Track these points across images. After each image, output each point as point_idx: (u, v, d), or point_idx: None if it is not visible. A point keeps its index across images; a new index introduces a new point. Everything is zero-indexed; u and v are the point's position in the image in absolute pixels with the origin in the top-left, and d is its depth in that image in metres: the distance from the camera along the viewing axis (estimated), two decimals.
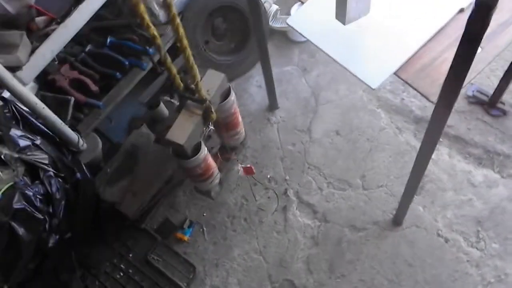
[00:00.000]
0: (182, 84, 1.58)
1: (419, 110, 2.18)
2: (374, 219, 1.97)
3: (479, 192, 1.94)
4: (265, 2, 2.55)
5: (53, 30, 1.72)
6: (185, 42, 1.38)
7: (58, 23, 1.74)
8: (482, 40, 1.30)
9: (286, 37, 2.55)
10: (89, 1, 1.78)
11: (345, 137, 2.18)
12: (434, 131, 1.29)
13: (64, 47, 2.18)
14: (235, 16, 2.40)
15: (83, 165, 1.94)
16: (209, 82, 1.61)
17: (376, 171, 2.07)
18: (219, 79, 1.64)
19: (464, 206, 1.92)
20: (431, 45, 1.33)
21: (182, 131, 1.53)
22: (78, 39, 2.24)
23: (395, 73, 1.31)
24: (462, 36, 0.93)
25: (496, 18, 1.30)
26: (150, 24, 1.28)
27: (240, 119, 1.87)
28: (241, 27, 2.43)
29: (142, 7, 1.23)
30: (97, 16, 2.28)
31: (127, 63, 2.14)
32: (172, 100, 2.13)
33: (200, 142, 1.63)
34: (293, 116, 2.30)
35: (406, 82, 1.28)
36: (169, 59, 1.46)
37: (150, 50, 2.18)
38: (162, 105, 1.89)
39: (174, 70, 1.50)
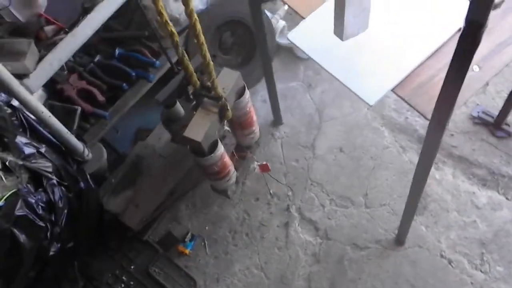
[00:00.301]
0: (198, 82, 1.60)
1: (423, 129, 2.18)
2: (376, 238, 1.95)
3: (483, 214, 1.93)
4: (272, 18, 2.57)
5: (61, 39, 1.74)
6: (202, 38, 1.40)
7: (66, 33, 1.76)
8: (480, 59, 1.31)
9: (292, 54, 2.57)
10: (97, 12, 1.81)
11: (348, 154, 2.18)
12: (429, 148, 1.29)
13: (74, 57, 2.23)
14: (242, 31, 2.43)
15: (88, 175, 1.95)
16: (225, 80, 1.63)
17: (379, 190, 2.06)
18: (234, 77, 1.66)
19: (468, 228, 1.91)
20: (429, 63, 1.34)
21: (199, 128, 1.55)
22: (88, 50, 2.27)
23: (392, 90, 1.32)
24: (454, 53, 0.94)
25: (494, 39, 1.32)
26: (168, 21, 1.31)
27: (254, 118, 1.90)
28: (248, 41, 2.45)
29: (160, 4, 1.26)
30: (106, 27, 2.33)
31: (134, 74, 2.16)
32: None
33: (217, 139, 1.65)
34: (297, 132, 2.31)
35: (403, 100, 1.29)
36: (186, 57, 1.48)
37: (157, 62, 2.21)
38: (178, 104, 1.90)
39: (191, 67, 1.52)
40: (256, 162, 2.10)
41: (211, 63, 1.46)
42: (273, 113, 2.30)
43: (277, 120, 2.34)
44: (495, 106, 2.16)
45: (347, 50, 1.43)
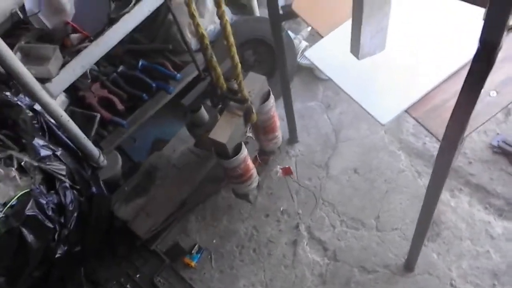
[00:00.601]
0: (225, 85, 1.63)
1: None
2: (385, 262, 1.91)
3: (497, 244, 1.86)
4: (295, 38, 2.60)
5: (86, 47, 1.80)
6: (232, 39, 1.44)
7: (91, 41, 1.82)
8: (498, 85, 1.28)
9: (312, 74, 2.58)
10: (122, 23, 1.86)
11: (362, 176, 2.16)
12: (440, 171, 1.26)
13: (98, 66, 2.31)
14: (264, 49, 2.46)
15: (101, 181, 1.99)
16: (250, 84, 1.67)
17: (392, 214, 2.02)
18: (260, 82, 1.70)
19: (480, 258, 1.85)
20: (445, 86, 1.33)
21: (224, 130, 1.60)
22: (112, 60, 2.35)
23: (406, 111, 1.31)
24: (467, 74, 0.93)
25: None
26: (200, 23, 1.38)
27: (278, 123, 1.94)
28: (269, 60, 2.48)
29: (192, 7, 1.33)
30: (132, 40, 2.40)
31: (154, 85, 2.21)
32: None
33: (241, 142, 1.68)
34: (312, 151, 2.30)
35: (417, 121, 1.27)
36: (214, 59, 1.51)
37: (178, 75, 2.26)
38: (203, 109, 1.94)
39: (219, 69, 1.56)
40: (278, 166, 2.15)
41: (239, 65, 1.49)
42: (289, 131, 2.31)
43: (292, 138, 2.34)
44: None
45: (364, 69, 1.42)
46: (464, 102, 1.02)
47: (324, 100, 2.49)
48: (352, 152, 2.26)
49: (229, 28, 1.41)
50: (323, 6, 1.63)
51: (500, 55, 1.35)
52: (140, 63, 2.29)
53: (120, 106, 2.18)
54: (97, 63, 2.30)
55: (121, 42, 2.23)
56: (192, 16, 1.38)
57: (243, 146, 1.68)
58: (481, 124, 1.27)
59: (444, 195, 2.02)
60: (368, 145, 2.26)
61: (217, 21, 2.39)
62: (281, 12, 1.75)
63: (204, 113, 1.94)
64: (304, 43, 2.63)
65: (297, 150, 2.32)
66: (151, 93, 2.24)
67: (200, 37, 1.42)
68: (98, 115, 2.12)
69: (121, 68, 2.30)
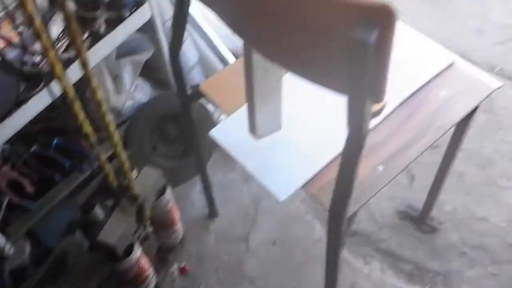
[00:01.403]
0: (116, 182, 1.60)
1: (354, 224, 2.23)
2: None
3: None
4: (214, 112, 2.68)
5: None
6: (116, 137, 1.41)
7: None
8: (385, 159, 1.39)
9: None
10: (31, 104, 1.84)
11: (281, 247, 2.19)
12: (332, 245, 1.33)
13: (11, 146, 2.23)
14: (185, 123, 2.51)
15: (6, 272, 1.86)
16: (145, 179, 1.64)
17: (309, 285, 2.05)
18: (154, 176, 1.68)
19: None
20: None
21: (113, 231, 1.53)
22: (26, 139, 2.28)
23: (303, 187, 1.37)
24: (342, 157, 1.01)
25: (397, 143, 1.42)
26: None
27: (177, 217, 1.90)
28: (190, 133, 2.52)
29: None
30: (47, 118, 2.36)
31: (67, 164, 2.16)
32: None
33: (133, 242, 1.61)
34: (231, 224, 2.31)
35: (311, 197, 1.33)
36: (103, 155, 1.48)
37: (94, 154, 2.23)
38: (97, 208, 1.87)
39: (108, 166, 1.52)
40: (176, 264, 2.09)
41: (127, 163, 1.48)
42: (208, 206, 2.32)
43: (212, 213, 2.35)
44: (421, 201, 2.25)
45: (265, 146, 1.49)
46: (342, 183, 1.09)
47: (243, 172, 2.53)
48: (271, 224, 2.29)
49: (99, 94, 1.30)
50: (228, 87, 1.72)
51: (386, 132, 1.48)
52: (54, 142, 2.25)
53: (29, 189, 2.10)
54: (10, 142, 2.23)
55: (36, 120, 2.20)
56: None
57: (136, 246, 1.62)
58: (370, 197, 1.35)
59: (358, 262, 2.09)
60: (285, 215, 2.31)
61: (136, 96, 2.45)
62: (189, 92, 1.82)
63: (99, 211, 1.86)
64: (223, 116, 2.71)
65: (216, 224, 2.32)
66: (64, 173, 2.18)
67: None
68: (6, 200, 2.03)
69: (34, 147, 2.24)
